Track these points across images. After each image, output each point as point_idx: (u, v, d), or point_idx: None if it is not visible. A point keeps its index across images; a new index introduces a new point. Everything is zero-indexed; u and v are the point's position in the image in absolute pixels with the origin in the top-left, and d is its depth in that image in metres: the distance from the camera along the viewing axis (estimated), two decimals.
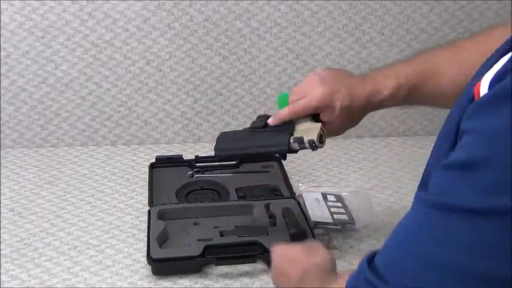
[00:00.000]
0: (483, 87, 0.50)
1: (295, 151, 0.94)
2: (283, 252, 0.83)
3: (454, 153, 0.49)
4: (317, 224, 1.11)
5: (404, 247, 0.50)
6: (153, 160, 1.36)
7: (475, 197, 0.43)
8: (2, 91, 1.45)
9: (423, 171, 0.68)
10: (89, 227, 1.17)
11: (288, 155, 0.98)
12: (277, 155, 1.22)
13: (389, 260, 0.52)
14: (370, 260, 0.54)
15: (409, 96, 0.92)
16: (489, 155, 0.43)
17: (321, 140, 0.92)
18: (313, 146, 0.91)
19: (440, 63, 0.91)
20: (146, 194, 1.24)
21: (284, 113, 0.94)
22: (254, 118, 1.53)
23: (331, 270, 0.75)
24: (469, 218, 0.44)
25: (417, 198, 0.50)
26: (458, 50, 0.91)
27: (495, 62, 0.52)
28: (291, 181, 1.27)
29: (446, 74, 0.89)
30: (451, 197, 0.45)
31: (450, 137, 0.54)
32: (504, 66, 0.50)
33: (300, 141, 0.92)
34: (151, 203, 1.18)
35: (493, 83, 0.50)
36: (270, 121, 0.96)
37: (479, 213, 0.43)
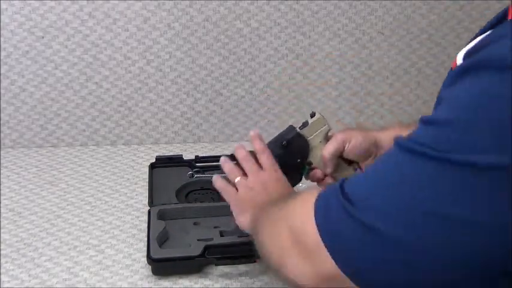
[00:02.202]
0: (459, 60, 0.55)
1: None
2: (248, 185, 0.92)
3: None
4: None
5: (378, 181, 0.54)
6: (153, 160, 1.36)
7: (433, 146, 0.49)
8: (2, 91, 1.45)
9: None
10: (89, 227, 1.17)
11: None
12: None
13: (361, 186, 0.56)
14: (341, 186, 0.58)
15: None
16: (452, 117, 0.49)
17: None
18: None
19: None
20: (146, 194, 1.24)
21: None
22: (254, 118, 1.54)
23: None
24: (425, 162, 0.49)
25: (395, 141, 0.54)
26: None
27: (473, 39, 0.56)
28: None
29: None
30: (417, 143, 0.50)
31: None
32: (479, 41, 0.53)
33: None
34: (151, 203, 1.18)
35: (466, 56, 0.54)
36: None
37: (434, 160, 0.48)
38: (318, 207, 0.59)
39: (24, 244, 1.12)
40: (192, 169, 1.31)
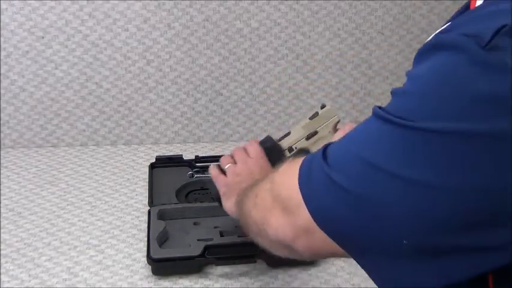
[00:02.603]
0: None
1: None
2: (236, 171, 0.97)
3: None
4: None
5: (351, 147, 0.59)
6: (153, 160, 1.36)
7: (392, 112, 0.54)
8: (2, 91, 1.45)
9: None
10: (89, 227, 1.17)
11: None
12: None
13: (337, 151, 0.61)
14: (324, 150, 0.62)
15: None
16: (410, 89, 0.55)
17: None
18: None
19: None
20: (146, 194, 1.24)
21: None
22: (254, 118, 1.54)
23: None
24: (383, 125, 0.55)
25: (373, 109, 0.59)
26: None
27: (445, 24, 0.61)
28: None
29: None
30: (385, 112, 0.56)
31: None
32: (447, 26, 0.58)
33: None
34: (151, 203, 1.18)
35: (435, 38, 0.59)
36: None
37: (393, 124, 0.54)
38: (303, 167, 0.64)
39: (24, 244, 1.12)
40: (192, 169, 1.31)
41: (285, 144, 1.02)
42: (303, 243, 0.64)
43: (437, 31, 0.59)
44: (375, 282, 0.60)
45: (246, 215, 0.76)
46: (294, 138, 1.01)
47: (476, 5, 0.56)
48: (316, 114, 1.01)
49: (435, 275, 0.54)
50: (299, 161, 0.66)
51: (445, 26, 0.58)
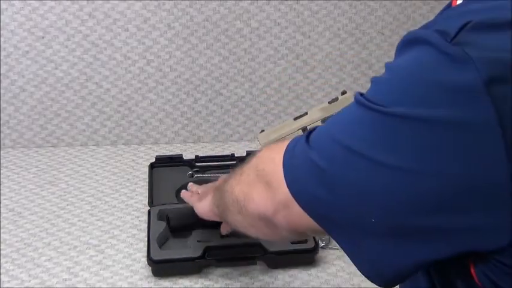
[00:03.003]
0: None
1: None
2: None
3: None
4: None
5: (331, 129, 0.62)
6: (153, 160, 1.36)
7: (371, 99, 0.57)
8: (2, 91, 1.45)
9: None
10: (89, 227, 1.17)
11: None
12: None
13: (320, 134, 0.63)
14: (309, 133, 0.65)
15: None
16: (386, 77, 0.58)
17: None
18: None
19: None
20: (146, 194, 1.24)
21: None
22: (254, 118, 1.54)
23: None
24: (364, 111, 0.57)
25: (354, 96, 0.61)
26: None
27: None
28: None
29: None
30: (364, 98, 0.58)
31: None
32: (428, 22, 0.62)
33: None
34: (151, 203, 1.18)
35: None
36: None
37: (368, 109, 0.56)
38: (289, 145, 0.66)
39: (24, 244, 1.12)
40: (192, 169, 1.32)
41: (299, 123, 1.02)
42: (283, 217, 0.67)
43: (421, 26, 0.62)
44: (353, 262, 0.63)
45: (228, 196, 0.79)
46: (310, 119, 1.02)
47: (456, 4, 0.61)
48: (336, 99, 1.02)
49: (408, 254, 0.57)
50: (288, 140, 0.68)
51: (428, 22, 0.62)
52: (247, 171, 0.75)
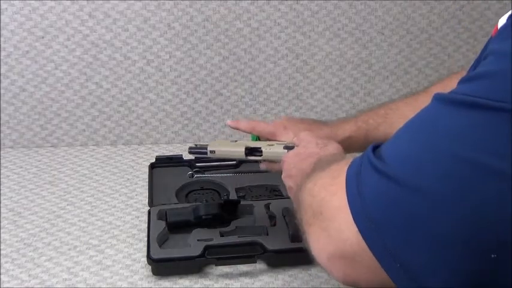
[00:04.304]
0: (501, 23, 0.55)
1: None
2: (297, 152, 0.88)
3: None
4: None
5: (412, 136, 0.52)
6: (153, 160, 1.36)
7: (483, 96, 0.48)
8: (2, 91, 1.45)
9: None
10: (89, 227, 1.17)
11: None
12: None
13: (393, 145, 0.54)
14: (376, 147, 0.56)
15: (368, 137, 1.01)
16: (496, 69, 0.49)
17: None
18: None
19: (398, 104, 1.03)
20: (146, 194, 1.24)
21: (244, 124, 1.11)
22: (254, 118, 1.54)
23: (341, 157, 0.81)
24: (468, 111, 0.49)
25: (434, 97, 0.53)
26: (415, 97, 1.03)
27: None
28: None
29: (403, 113, 0.99)
30: (464, 95, 0.49)
31: None
32: None
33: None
34: (151, 203, 1.18)
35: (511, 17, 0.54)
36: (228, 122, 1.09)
37: (475, 108, 0.48)
38: (349, 175, 0.57)
39: (24, 244, 1.12)
40: (192, 169, 1.31)
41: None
42: (340, 269, 0.57)
43: None
44: None
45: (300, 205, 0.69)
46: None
47: None
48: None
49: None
50: (340, 169, 0.59)
51: None
52: (304, 205, 0.64)
